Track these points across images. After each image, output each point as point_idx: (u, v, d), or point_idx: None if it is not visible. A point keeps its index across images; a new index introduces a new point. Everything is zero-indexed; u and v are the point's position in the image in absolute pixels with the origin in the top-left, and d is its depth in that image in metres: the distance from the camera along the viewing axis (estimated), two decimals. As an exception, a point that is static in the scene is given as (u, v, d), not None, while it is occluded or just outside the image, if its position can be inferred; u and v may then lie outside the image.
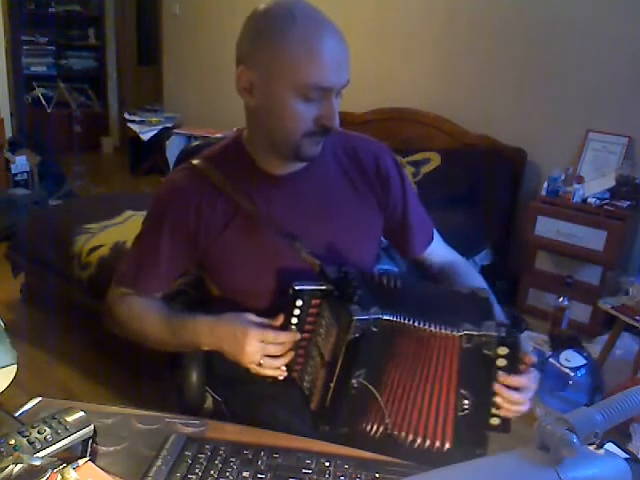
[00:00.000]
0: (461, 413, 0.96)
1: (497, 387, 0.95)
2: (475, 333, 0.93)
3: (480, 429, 0.97)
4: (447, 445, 0.96)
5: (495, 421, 0.97)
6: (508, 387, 0.95)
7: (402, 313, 0.94)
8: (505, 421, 0.98)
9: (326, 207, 1.16)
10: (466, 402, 0.95)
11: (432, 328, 0.94)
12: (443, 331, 0.94)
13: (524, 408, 0.98)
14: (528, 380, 0.97)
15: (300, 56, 0.98)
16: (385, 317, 0.93)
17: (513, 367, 0.95)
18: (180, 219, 1.12)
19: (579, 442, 0.49)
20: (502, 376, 0.95)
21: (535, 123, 3.30)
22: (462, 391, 0.95)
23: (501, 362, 0.94)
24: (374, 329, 0.92)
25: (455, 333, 0.93)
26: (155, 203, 1.18)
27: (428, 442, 0.97)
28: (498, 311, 1.12)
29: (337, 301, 0.97)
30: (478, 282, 1.21)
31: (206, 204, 1.11)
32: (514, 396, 0.95)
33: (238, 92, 1.07)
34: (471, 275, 1.24)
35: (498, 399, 0.96)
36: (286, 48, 0.98)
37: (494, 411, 0.97)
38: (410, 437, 0.97)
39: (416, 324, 0.94)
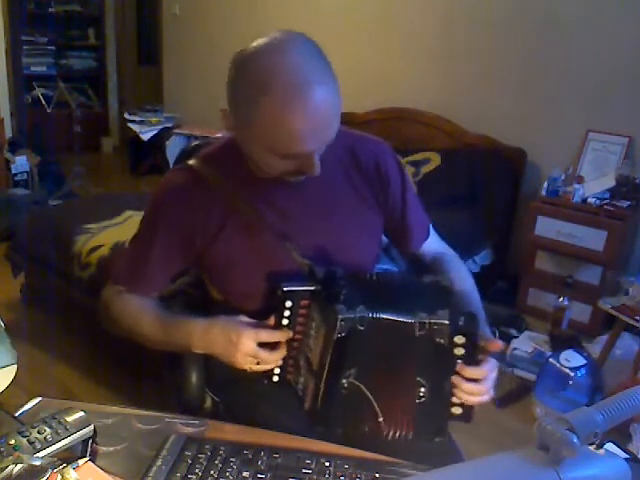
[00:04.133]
0: (418, 401, 0.96)
1: (454, 378, 0.95)
2: (426, 321, 0.93)
3: (440, 418, 0.98)
4: (410, 434, 0.97)
5: (457, 410, 0.98)
6: (465, 377, 0.95)
7: (388, 309, 0.94)
8: (467, 410, 0.98)
9: (325, 207, 1.16)
10: (422, 390, 0.96)
11: (393, 317, 0.94)
12: (401, 319, 0.94)
13: (485, 398, 0.98)
14: (486, 370, 0.97)
15: (270, 129, 0.95)
16: (371, 315, 0.93)
17: (471, 357, 0.95)
18: (175, 220, 1.12)
19: (579, 442, 0.49)
20: (459, 366, 0.95)
21: (535, 123, 3.30)
22: (419, 379, 0.95)
23: (459, 351, 0.94)
24: (360, 327, 0.92)
25: (409, 321, 0.94)
26: (151, 203, 1.17)
27: (395, 431, 0.97)
28: (477, 303, 1.15)
29: (324, 301, 0.97)
30: (463, 273, 1.23)
31: (202, 205, 1.11)
32: (469, 386, 0.96)
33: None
34: (457, 267, 1.25)
35: (455, 388, 0.96)
36: (257, 120, 0.95)
37: (454, 400, 0.97)
38: (385, 428, 0.98)
39: (400, 319, 0.94)
